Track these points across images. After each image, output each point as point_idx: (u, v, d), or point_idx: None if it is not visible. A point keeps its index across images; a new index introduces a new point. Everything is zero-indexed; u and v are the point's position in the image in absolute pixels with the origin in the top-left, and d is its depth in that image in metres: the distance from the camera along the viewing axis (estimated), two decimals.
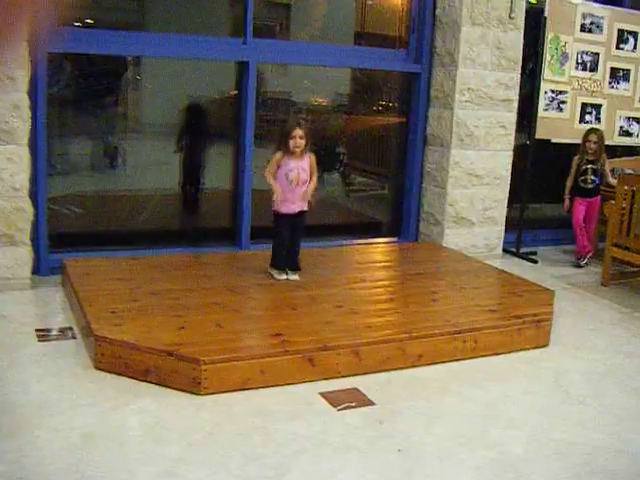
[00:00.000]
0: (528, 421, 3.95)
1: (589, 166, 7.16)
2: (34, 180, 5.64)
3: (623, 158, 8.03)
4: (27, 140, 5.42)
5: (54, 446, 3.35)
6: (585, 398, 4.29)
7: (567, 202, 7.28)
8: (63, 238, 6.17)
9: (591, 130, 7.24)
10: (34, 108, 5.52)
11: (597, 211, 7.29)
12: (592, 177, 7.18)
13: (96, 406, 3.77)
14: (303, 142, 5.22)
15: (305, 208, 5.40)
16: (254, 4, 6.33)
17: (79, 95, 6.53)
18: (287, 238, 5.41)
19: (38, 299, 5.45)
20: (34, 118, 5.54)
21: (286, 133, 5.24)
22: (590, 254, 7.33)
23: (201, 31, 6.59)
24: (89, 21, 6.39)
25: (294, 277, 5.47)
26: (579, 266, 7.27)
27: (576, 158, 7.24)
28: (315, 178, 5.43)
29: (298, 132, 5.20)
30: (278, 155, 5.30)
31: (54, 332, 4.77)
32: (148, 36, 6.31)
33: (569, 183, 7.28)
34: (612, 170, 7.44)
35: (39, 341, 4.59)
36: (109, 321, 4.41)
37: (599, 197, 7.26)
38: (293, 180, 5.26)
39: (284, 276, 5.44)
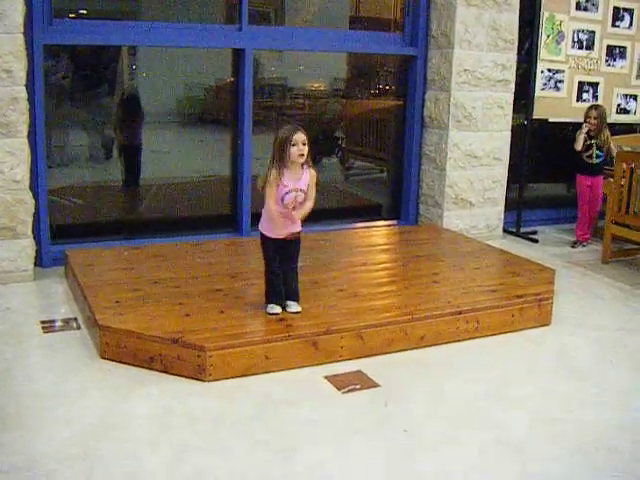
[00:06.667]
0: (532, 400, 3.97)
1: (593, 141, 7.15)
2: (34, 172, 5.66)
3: (621, 135, 8.02)
4: (26, 133, 5.43)
5: (62, 436, 3.38)
6: (588, 375, 4.31)
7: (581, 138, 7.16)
8: (64, 229, 6.20)
9: (592, 106, 7.23)
10: (32, 101, 5.53)
11: (600, 192, 7.26)
12: (597, 152, 7.16)
13: (103, 395, 3.80)
14: (307, 149, 4.25)
15: (298, 230, 4.47)
16: None
17: (76, 86, 6.52)
18: (279, 265, 4.49)
19: (41, 290, 5.47)
20: (32, 110, 5.54)
21: (285, 139, 4.22)
22: (587, 242, 7.35)
23: (196, 19, 6.58)
24: (83, 12, 6.38)
25: (295, 309, 4.53)
26: (573, 247, 7.29)
27: (578, 132, 7.19)
28: (312, 198, 4.39)
29: (301, 137, 4.22)
30: (274, 173, 4.27)
31: (59, 323, 4.80)
32: (143, 25, 6.27)
33: (578, 145, 7.16)
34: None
35: (44, 332, 4.62)
36: (113, 310, 4.43)
37: (602, 177, 7.24)
38: (289, 204, 4.33)
39: (277, 310, 4.48)
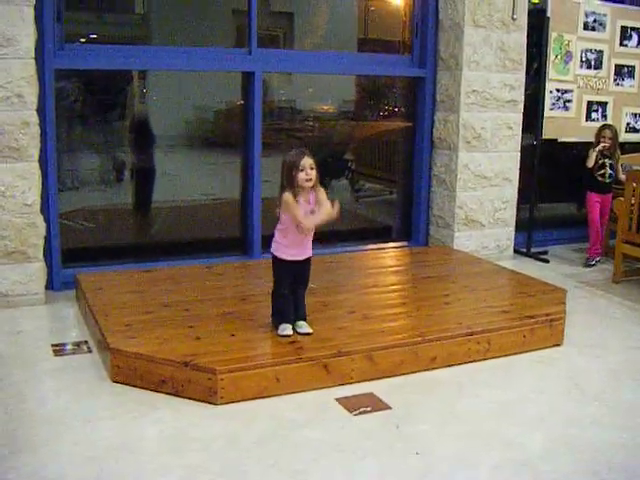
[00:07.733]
0: (544, 420, 3.95)
1: (606, 160, 7.17)
2: (45, 196, 5.69)
3: (631, 154, 8.01)
4: (37, 157, 5.46)
5: (74, 459, 3.37)
6: (601, 395, 4.29)
7: (594, 156, 7.17)
8: (75, 253, 6.21)
9: (604, 126, 7.25)
10: (43, 125, 5.56)
11: (609, 209, 7.29)
12: (610, 171, 7.19)
13: (114, 418, 3.80)
14: (314, 173, 4.27)
15: (310, 254, 4.53)
16: (258, 14, 6.37)
17: (87, 110, 6.57)
18: (290, 287, 4.51)
19: (53, 314, 5.48)
20: (43, 135, 5.58)
21: (292, 165, 4.25)
22: (600, 257, 7.34)
23: (206, 43, 6.63)
24: (93, 36, 6.44)
25: (306, 329, 4.52)
26: (588, 265, 7.28)
27: (591, 150, 7.20)
28: (324, 208, 4.33)
29: (308, 161, 4.24)
30: (289, 195, 4.27)
31: (70, 346, 4.80)
32: (153, 49, 6.34)
33: (590, 162, 7.19)
34: (621, 166, 7.45)
35: (55, 355, 4.62)
36: (124, 334, 4.44)
37: (611, 194, 7.26)
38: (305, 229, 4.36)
39: (290, 331, 4.47)
